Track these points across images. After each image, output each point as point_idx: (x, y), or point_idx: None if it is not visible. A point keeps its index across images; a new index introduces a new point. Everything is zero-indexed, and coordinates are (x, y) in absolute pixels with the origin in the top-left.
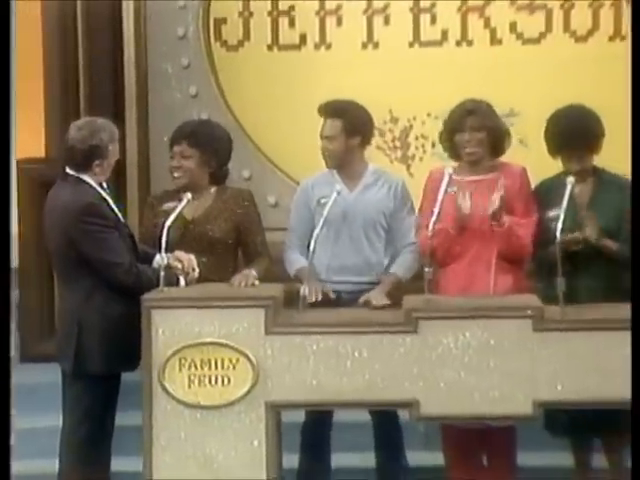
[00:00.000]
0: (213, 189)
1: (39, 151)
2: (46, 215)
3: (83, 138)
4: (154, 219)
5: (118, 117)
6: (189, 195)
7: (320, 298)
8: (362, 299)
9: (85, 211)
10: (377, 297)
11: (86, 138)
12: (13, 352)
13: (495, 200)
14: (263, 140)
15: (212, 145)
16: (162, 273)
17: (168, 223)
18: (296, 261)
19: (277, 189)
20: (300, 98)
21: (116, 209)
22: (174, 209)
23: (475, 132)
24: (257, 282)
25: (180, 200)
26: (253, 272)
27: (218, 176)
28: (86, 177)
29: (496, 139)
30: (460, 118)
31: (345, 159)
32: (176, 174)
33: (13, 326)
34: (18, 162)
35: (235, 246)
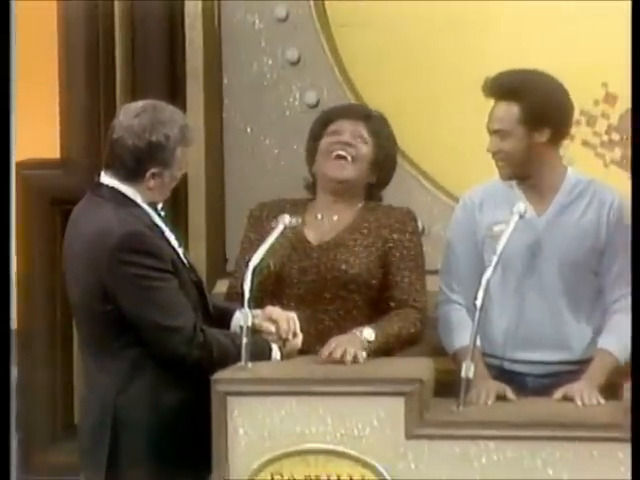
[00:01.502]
0: (360, 204)
1: (52, 151)
2: (66, 248)
3: (140, 129)
4: (258, 244)
5: (176, 99)
6: (286, 218)
7: (492, 401)
8: (559, 393)
9: (126, 245)
10: (584, 392)
11: (145, 130)
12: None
13: None
14: (402, 133)
15: (382, 140)
16: (244, 340)
17: (255, 261)
18: (456, 330)
19: (425, 208)
20: (458, 69)
21: (176, 244)
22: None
23: None
24: (364, 355)
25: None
26: (367, 333)
27: (374, 188)
28: (133, 192)
29: None
30: None
31: (528, 164)
32: (342, 152)
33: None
34: (18, 166)
35: (380, 290)
